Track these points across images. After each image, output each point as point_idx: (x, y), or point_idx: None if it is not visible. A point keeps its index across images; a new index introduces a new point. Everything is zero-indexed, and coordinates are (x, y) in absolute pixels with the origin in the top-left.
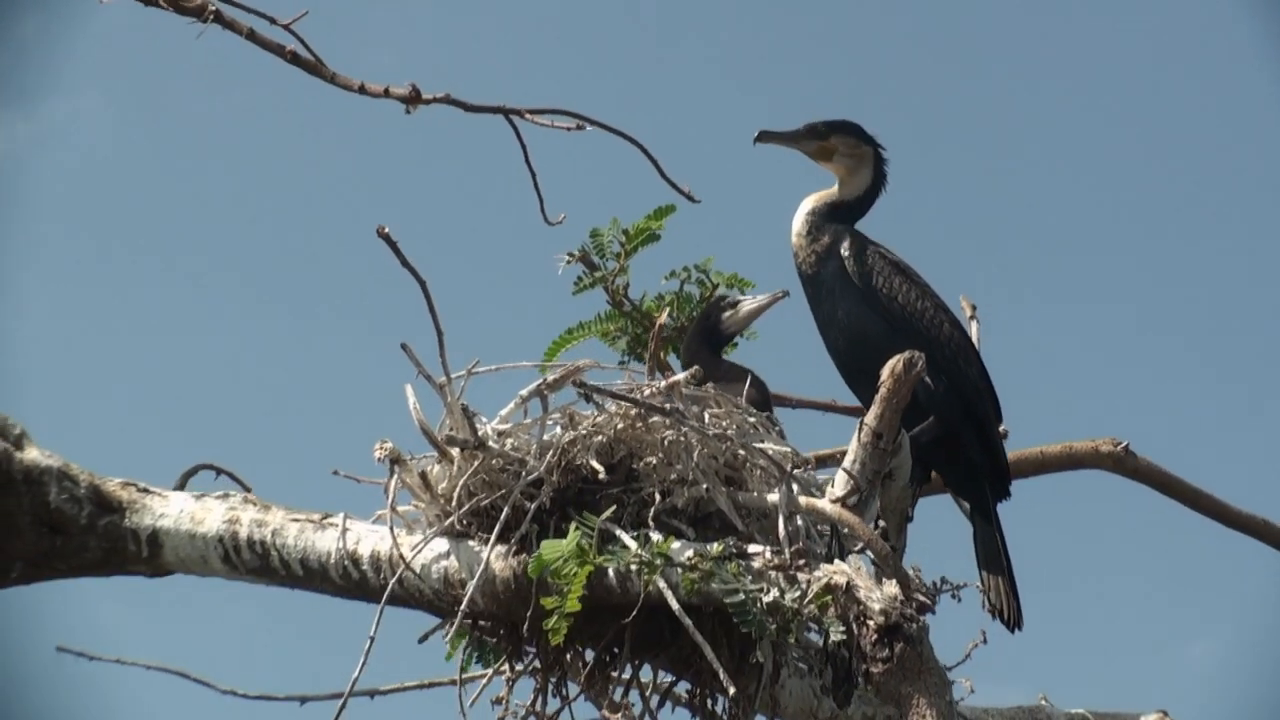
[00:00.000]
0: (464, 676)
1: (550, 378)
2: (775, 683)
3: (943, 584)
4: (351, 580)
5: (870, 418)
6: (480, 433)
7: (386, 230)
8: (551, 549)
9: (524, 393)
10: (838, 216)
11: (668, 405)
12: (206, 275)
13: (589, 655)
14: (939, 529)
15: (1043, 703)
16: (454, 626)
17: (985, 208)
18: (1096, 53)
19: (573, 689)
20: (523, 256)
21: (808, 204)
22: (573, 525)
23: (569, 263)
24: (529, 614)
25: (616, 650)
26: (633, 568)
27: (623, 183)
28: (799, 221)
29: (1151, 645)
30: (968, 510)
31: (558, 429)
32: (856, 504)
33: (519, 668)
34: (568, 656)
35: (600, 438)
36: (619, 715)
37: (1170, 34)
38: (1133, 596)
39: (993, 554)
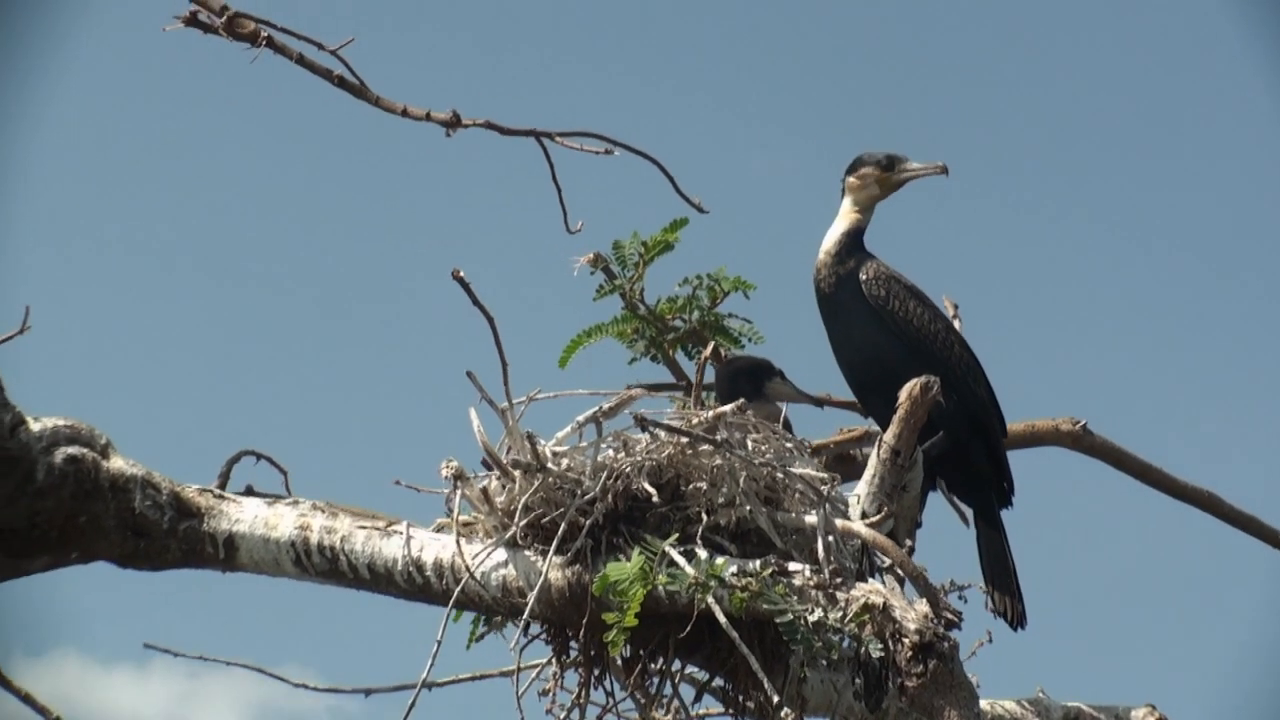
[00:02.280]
0: (513, 669)
1: (606, 405)
2: (803, 682)
3: (950, 586)
4: (415, 585)
5: (889, 436)
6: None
7: (461, 274)
8: (617, 570)
9: (581, 419)
10: (862, 246)
11: (718, 437)
12: (250, 288)
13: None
14: (939, 531)
15: (1040, 695)
16: (520, 631)
17: (947, 186)
18: (1044, 35)
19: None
20: (546, 267)
21: (841, 225)
22: (636, 550)
23: (587, 263)
24: (584, 620)
25: (658, 651)
26: (689, 589)
27: (636, 196)
28: (829, 241)
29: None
30: (966, 514)
31: (610, 451)
32: (877, 516)
33: (566, 661)
34: (613, 656)
35: (651, 462)
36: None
37: (1123, 20)
38: (1097, 572)
39: (997, 557)
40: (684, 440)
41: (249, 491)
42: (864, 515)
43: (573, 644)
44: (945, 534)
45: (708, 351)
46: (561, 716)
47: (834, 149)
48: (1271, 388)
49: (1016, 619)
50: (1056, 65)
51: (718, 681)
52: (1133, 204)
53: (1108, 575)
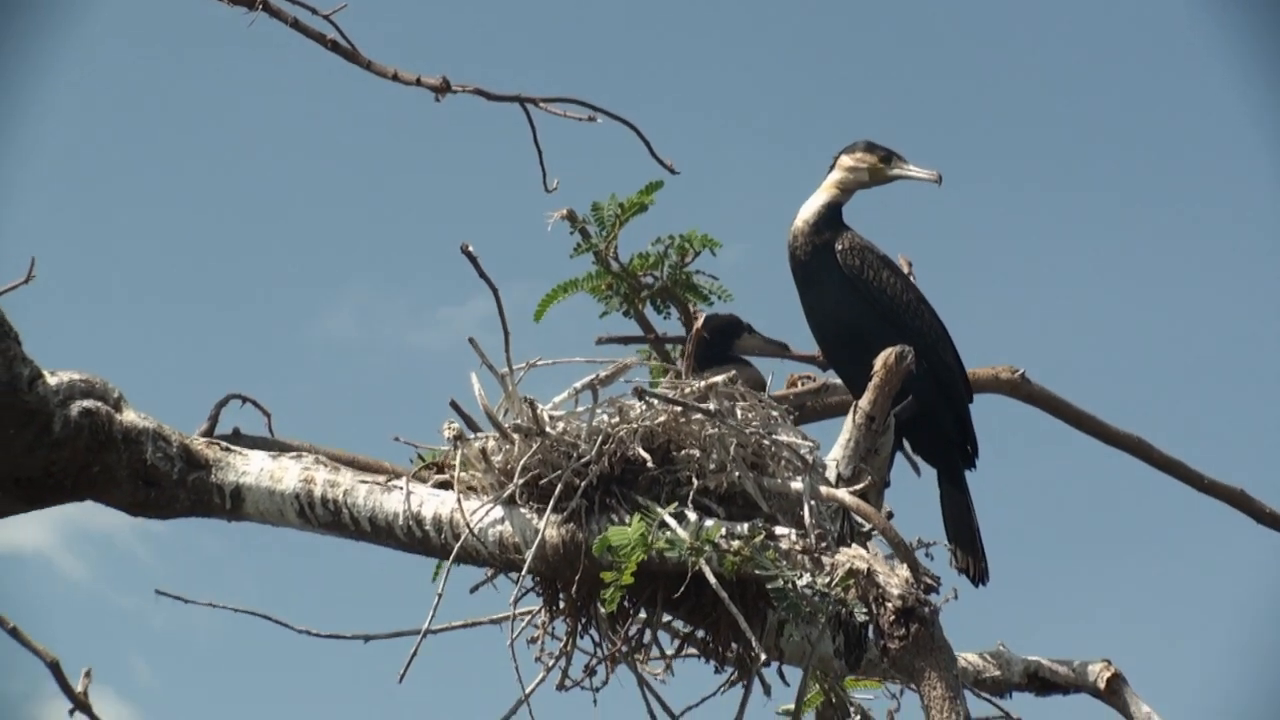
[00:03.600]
0: (504, 615)
1: (603, 373)
2: (780, 635)
3: (918, 544)
4: (415, 538)
5: (864, 402)
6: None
7: (470, 247)
8: (618, 535)
9: (578, 385)
10: (840, 220)
11: (710, 406)
12: (241, 243)
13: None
14: (902, 489)
15: (1001, 649)
16: (517, 585)
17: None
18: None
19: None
20: (526, 227)
21: (821, 198)
22: (635, 517)
23: (561, 218)
24: (577, 577)
25: (645, 605)
26: (681, 551)
27: (615, 160)
28: (806, 211)
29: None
30: (919, 465)
31: (605, 417)
32: (851, 477)
33: (556, 611)
34: (598, 606)
35: (645, 427)
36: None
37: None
38: (1038, 517)
39: (960, 517)
40: (678, 409)
41: (236, 434)
42: (840, 478)
43: (560, 596)
44: (909, 491)
45: (698, 322)
46: (550, 664)
47: (807, 118)
48: (1198, 336)
49: (979, 576)
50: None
51: (699, 633)
52: (1076, 157)
53: (1048, 520)
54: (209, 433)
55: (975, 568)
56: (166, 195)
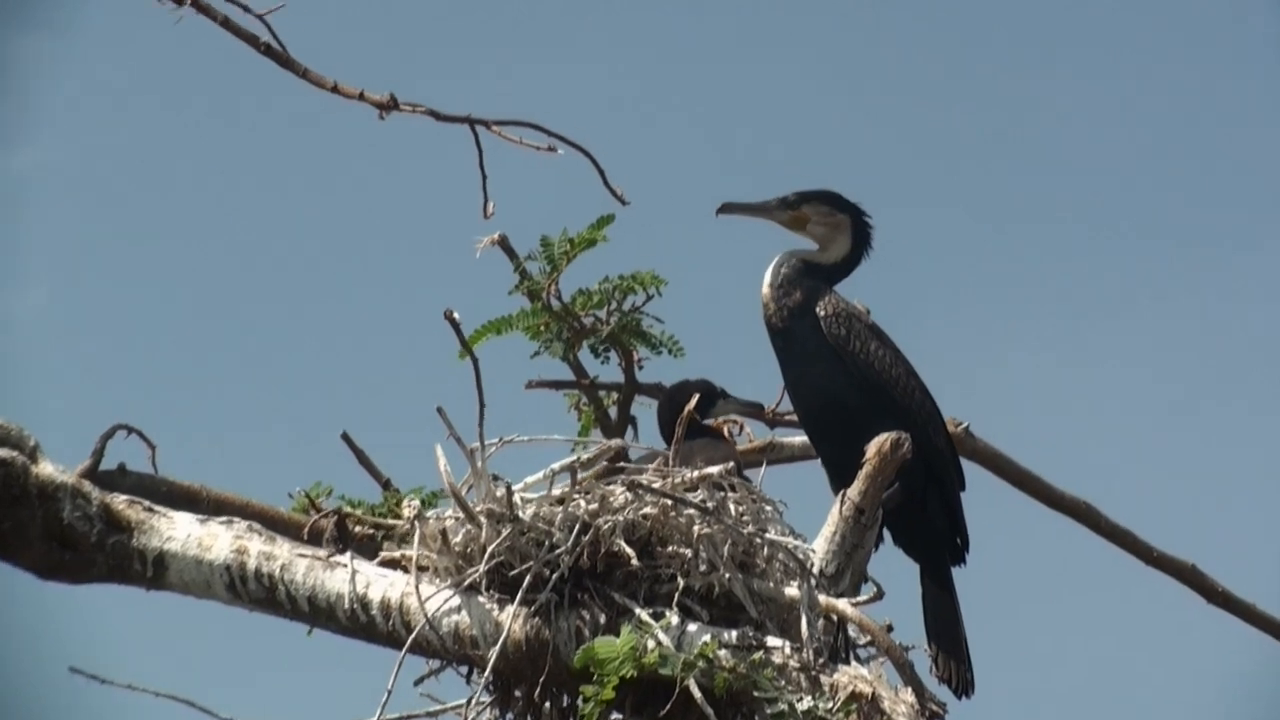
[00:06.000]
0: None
1: (584, 455)
2: None
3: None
4: (359, 623)
5: (854, 492)
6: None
7: (455, 315)
8: (606, 648)
9: (556, 466)
10: (814, 275)
11: (700, 498)
12: (158, 262)
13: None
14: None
15: None
16: (481, 686)
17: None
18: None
19: None
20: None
21: (782, 258)
22: (628, 627)
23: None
24: (541, 679)
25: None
26: (676, 669)
27: (572, 190)
28: (771, 274)
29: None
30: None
31: (581, 503)
32: (835, 575)
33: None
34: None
35: (625, 517)
36: None
37: None
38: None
39: (945, 619)
40: (667, 501)
41: (121, 471)
42: (822, 574)
43: (515, 696)
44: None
45: (691, 405)
46: None
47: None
48: (1159, 402)
49: (963, 687)
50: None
51: None
52: (1030, 200)
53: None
54: (93, 469)
55: (959, 677)
56: (79, 204)
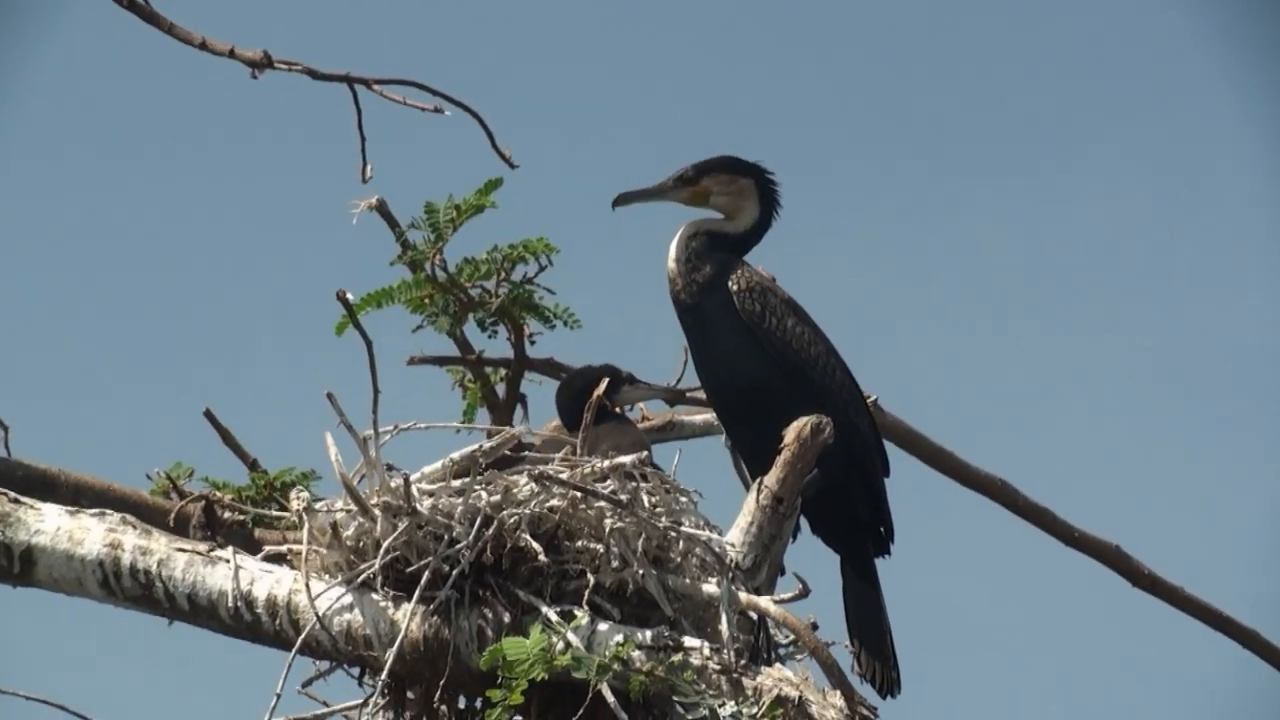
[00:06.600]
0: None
1: (487, 445)
2: None
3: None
4: (243, 622)
5: (771, 480)
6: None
7: (347, 294)
8: (515, 648)
9: (456, 456)
10: (723, 246)
11: (620, 495)
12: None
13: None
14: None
15: None
16: (378, 688)
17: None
18: None
19: None
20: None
21: (688, 230)
22: (537, 626)
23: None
24: (442, 681)
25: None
26: (590, 672)
27: (457, 153)
28: (676, 248)
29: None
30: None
31: (483, 494)
32: (751, 569)
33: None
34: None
35: (531, 510)
36: None
37: None
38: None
39: (868, 613)
40: (576, 494)
41: None
42: (738, 567)
43: (408, 697)
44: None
45: (599, 390)
46: None
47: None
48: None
49: (887, 686)
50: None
51: None
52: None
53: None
54: None
55: (884, 675)
56: None
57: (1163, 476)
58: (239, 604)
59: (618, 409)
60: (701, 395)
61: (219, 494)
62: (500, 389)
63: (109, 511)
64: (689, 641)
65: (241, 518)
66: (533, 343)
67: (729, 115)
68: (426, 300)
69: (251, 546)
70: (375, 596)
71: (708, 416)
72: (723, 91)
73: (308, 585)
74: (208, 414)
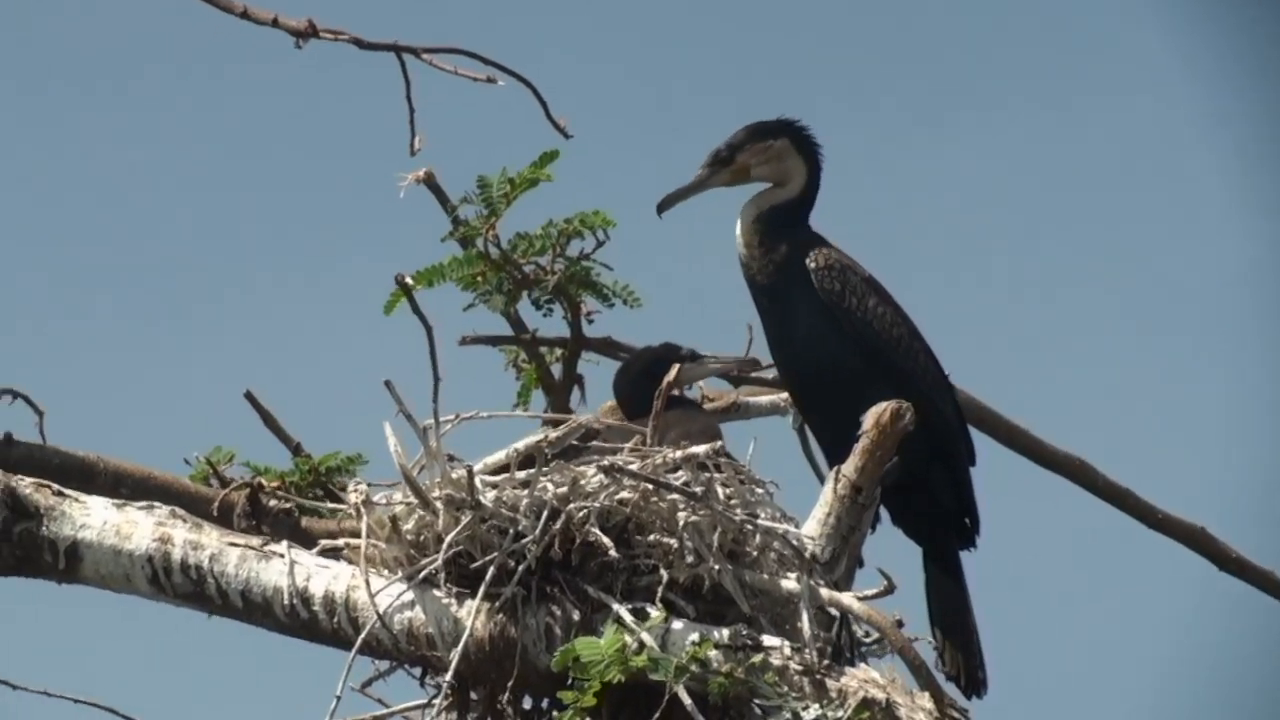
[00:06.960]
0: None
1: (553, 434)
2: None
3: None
4: (299, 620)
5: (849, 469)
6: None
7: (407, 278)
8: (589, 649)
9: (520, 445)
10: (791, 218)
11: (683, 480)
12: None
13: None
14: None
15: None
16: (444, 690)
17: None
18: None
19: None
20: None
21: (749, 211)
22: (609, 625)
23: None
24: (509, 682)
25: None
26: (669, 674)
27: (511, 125)
28: (744, 233)
29: None
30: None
31: (549, 486)
32: (829, 562)
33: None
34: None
35: (600, 503)
36: None
37: None
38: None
39: (954, 609)
40: (648, 486)
41: (8, 441)
42: (816, 560)
43: (474, 699)
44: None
45: (671, 375)
46: None
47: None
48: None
49: (974, 686)
50: None
51: None
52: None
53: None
54: None
55: (969, 674)
56: None
57: (1252, 453)
58: (294, 601)
59: (678, 390)
60: (771, 370)
61: (264, 481)
62: (556, 369)
63: (157, 504)
64: (769, 640)
65: (288, 506)
66: (590, 321)
67: (781, 74)
68: (479, 278)
69: (298, 535)
70: (438, 593)
71: (774, 397)
72: (778, 53)
73: (367, 581)
74: (249, 396)
